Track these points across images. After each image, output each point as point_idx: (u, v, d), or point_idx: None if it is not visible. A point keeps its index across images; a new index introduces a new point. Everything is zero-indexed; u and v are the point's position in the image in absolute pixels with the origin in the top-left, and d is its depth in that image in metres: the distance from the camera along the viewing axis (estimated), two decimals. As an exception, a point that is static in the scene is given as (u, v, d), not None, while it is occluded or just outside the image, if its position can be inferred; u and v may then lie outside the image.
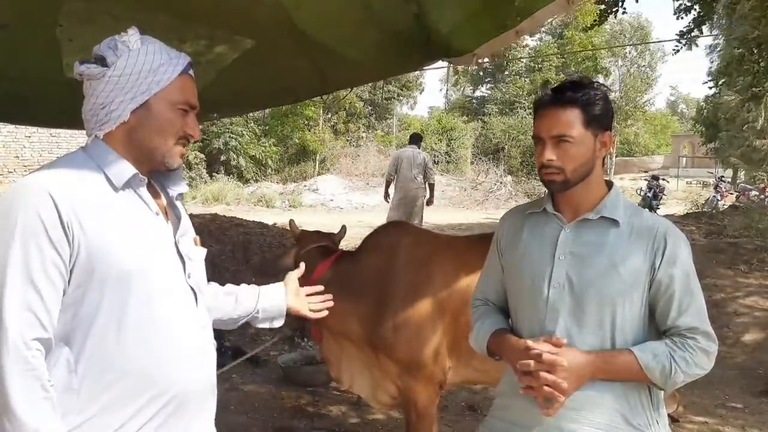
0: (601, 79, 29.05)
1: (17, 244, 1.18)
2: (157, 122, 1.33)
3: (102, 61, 1.30)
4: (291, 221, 3.25)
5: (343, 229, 3.21)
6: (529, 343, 1.50)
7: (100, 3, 2.53)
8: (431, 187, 8.34)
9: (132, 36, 1.31)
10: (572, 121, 1.51)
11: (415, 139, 8.77)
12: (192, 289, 1.40)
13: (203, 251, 1.51)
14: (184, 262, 1.39)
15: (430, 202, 8.44)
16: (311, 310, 1.81)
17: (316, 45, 2.97)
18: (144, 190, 1.35)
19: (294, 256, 2.99)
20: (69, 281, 1.23)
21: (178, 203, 1.46)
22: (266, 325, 1.74)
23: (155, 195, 1.40)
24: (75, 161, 1.31)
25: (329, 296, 1.85)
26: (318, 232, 3.21)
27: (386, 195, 8.50)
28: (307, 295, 1.82)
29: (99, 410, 1.24)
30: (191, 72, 1.39)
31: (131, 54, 1.29)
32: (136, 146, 1.34)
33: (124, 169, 1.31)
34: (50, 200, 1.20)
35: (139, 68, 1.30)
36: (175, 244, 1.39)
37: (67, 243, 1.21)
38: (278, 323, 1.75)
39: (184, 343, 1.35)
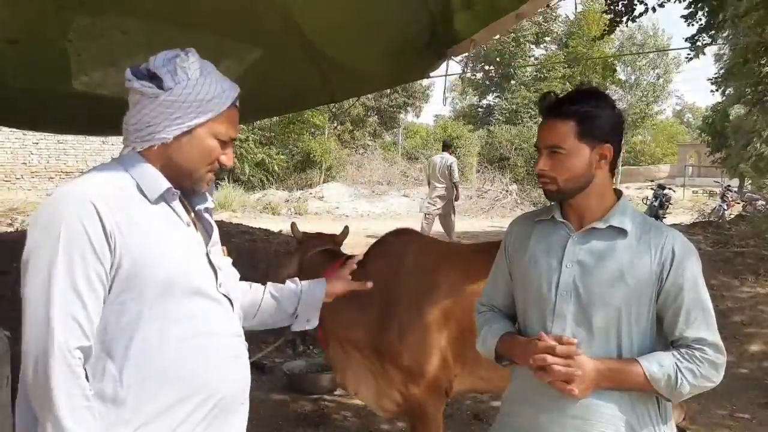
0: (615, 89, 28.98)
1: (61, 252, 1.20)
2: (196, 149, 1.36)
3: (159, 82, 1.31)
4: (293, 224, 3.21)
5: (346, 229, 3.18)
6: (542, 334, 1.51)
7: (108, 18, 2.55)
8: (455, 185, 9.88)
9: (193, 63, 1.33)
10: (566, 133, 1.52)
11: (445, 147, 10.61)
12: (226, 297, 1.43)
13: (229, 260, 1.54)
14: (215, 272, 1.41)
15: (456, 198, 10.04)
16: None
17: (323, 55, 2.98)
18: (177, 203, 1.38)
19: (298, 261, 2.97)
20: (110, 290, 1.25)
21: (206, 215, 1.48)
22: (302, 327, 1.79)
23: (184, 207, 1.43)
24: (111, 172, 1.33)
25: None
26: (320, 234, 3.19)
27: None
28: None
29: (147, 420, 1.26)
30: (237, 103, 1.41)
31: (189, 83, 1.31)
32: (171, 166, 1.36)
33: (159, 182, 1.34)
34: (93, 209, 1.22)
35: (193, 98, 1.31)
36: (207, 254, 1.41)
37: (109, 252, 1.23)
38: (310, 325, 1.79)
39: (222, 349, 1.39)
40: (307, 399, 4.30)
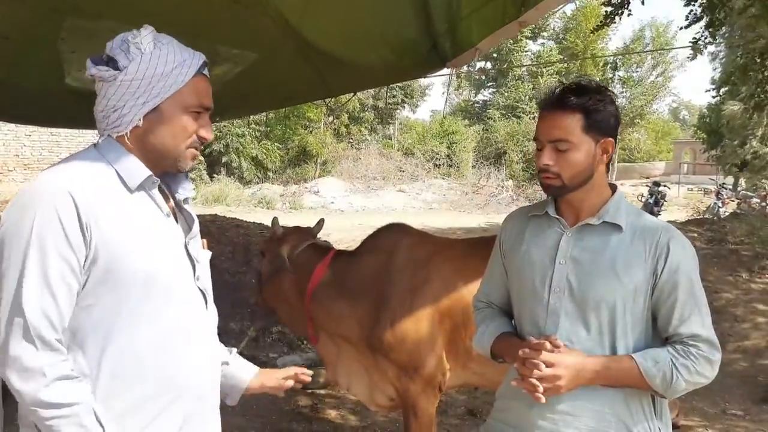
0: (614, 85, 28.98)
1: (35, 244, 1.17)
2: (169, 126, 1.31)
3: (114, 63, 1.27)
4: (274, 219, 3.17)
5: (321, 222, 3.16)
6: (531, 338, 1.51)
7: (103, 21, 2.53)
8: None
9: (145, 37, 1.28)
10: (572, 126, 1.49)
11: None
12: (201, 291, 1.39)
13: (208, 254, 1.50)
14: (193, 265, 1.38)
15: None
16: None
17: (320, 53, 2.97)
18: (156, 192, 1.34)
19: (288, 256, 2.94)
20: (85, 283, 1.22)
21: (186, 206, 1.44)
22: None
23: (165, 197, 1.39)
24: (90, 161, 1.29)
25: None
26: (299, 228, 3.15)
27: None
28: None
29: (116, 417, 1.24)
30: (206, 71, 1.36)
31: (144, 58, 1.27)
32: (148, 150, 1.32)
33: (139, 170, 1.30)
34: (70, 200, 1.19)
35: (151, 72, 1.27)
36: (185, 246, 1.38)
37: (84, 244, 1.20)
38: (229, 401, 1.63)
39: (196, 346, 1.35)
40: (300, 394, 4.30)
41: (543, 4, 2.44)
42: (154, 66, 1.27)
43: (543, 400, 1.45)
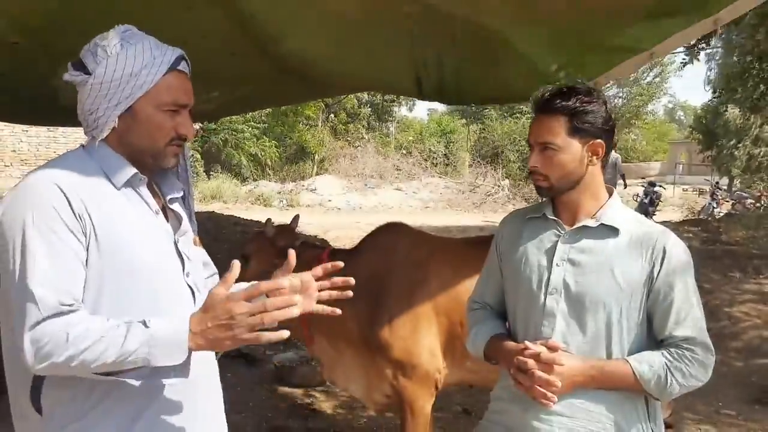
0: (615, 88, 28.96)
1: (38, 236, 1.17)
2: (144, 126, 1.31)
3: (85, 68, 1.29)
4: (268, 221, 3.15)
5: (296, 218, 3.15)
6: (527, 343, 1.51)
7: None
8: (623, 176, 12.57)
9: (112, 39, 1.28)
10: (557, 129, 1.52)
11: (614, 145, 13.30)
12: (190, 288, 1.39)
13: (201, 251, 1.50)
14: (183, 261, 1.38)
15: (624, 186, 12.73)
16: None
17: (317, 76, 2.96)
18: (144, 189, 1.35)
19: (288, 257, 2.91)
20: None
21: (176, 204, 1.45)
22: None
23: (154, 194, 1.40)
24: (76, 160, 1.31)
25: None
26: (284, 228, 3.10)
27: None
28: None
29: (101, 415, 1.24)
30: (182, 66, 1.35)
31: (110, 60, 1.27)
32: (128, 149, 1.33)
33: (124, 169, 1.31)
34: (60, 192, 1.21)
35: (119, 74, 1.27)
36: (175, 243, 1.38)
37: (81, 231, 1.21)
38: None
39: None
40: (296, 391, 4.30)
41: (614, 70, 2.43)
42: (122, 67, 1.27)
43: (551, 405, 1.47)
